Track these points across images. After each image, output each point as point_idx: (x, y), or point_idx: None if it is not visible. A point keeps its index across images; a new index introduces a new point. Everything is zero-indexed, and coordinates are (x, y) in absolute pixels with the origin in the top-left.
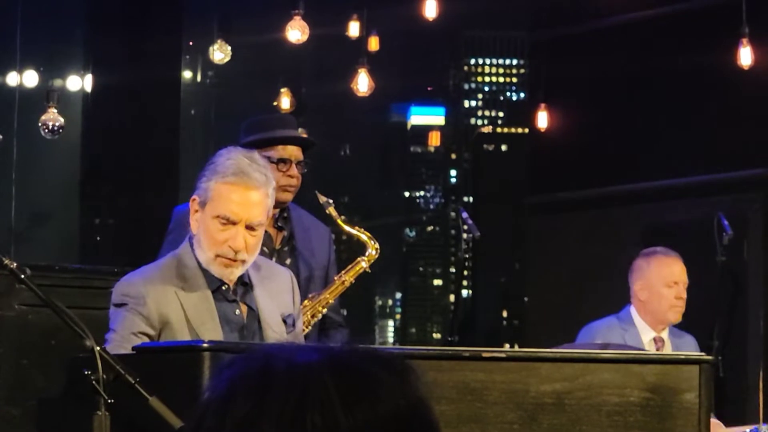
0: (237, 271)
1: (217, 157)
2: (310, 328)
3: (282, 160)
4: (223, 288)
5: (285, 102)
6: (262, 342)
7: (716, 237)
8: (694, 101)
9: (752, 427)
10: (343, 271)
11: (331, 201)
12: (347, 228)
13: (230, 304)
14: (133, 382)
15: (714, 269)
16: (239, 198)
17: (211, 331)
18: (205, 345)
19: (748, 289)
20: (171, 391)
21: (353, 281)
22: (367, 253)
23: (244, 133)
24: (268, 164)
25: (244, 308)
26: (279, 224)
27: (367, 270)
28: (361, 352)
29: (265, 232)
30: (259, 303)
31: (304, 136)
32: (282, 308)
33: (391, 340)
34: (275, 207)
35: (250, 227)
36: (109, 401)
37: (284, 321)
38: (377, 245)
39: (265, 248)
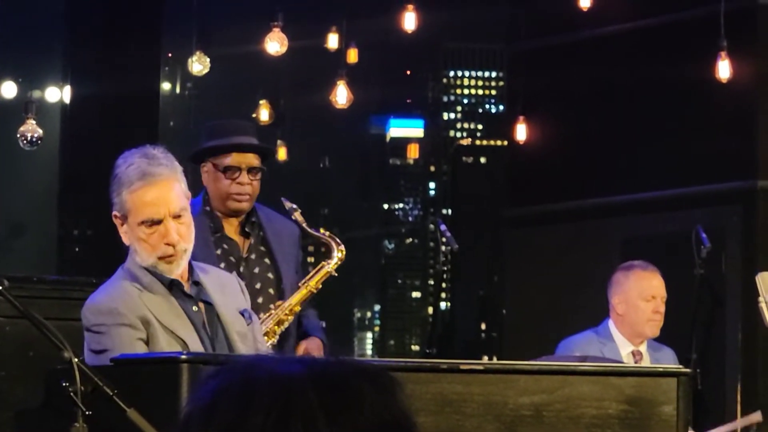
0: (183, 262)
1: (117, 167)
2: (276, 337)
3: (229, 168)
4: (175, 284)
5: (264, 114)
6: (227, 336)
7: (694, 250)
8: (673, 114)
9: None
10: (307, 277)
11: (296, 207)
12: (312, 231)
13: (188, 300)
14: (111, 393)
15: (692, 282)
16: (153, 197)
17: (183, 328)
18: (183, 357)
19: (726, 302)
20: (149, 402)
21: (319, 287)
22: (332, 257)
23: (202, 138)
24: (167, 152)
25: (201, 305)
26: (246, 230)
27: (333, 274)
28: (344, 364)
29: (231, 240)
30: (214, 299)
31: (254, 142)
32: (236, 304)
33: (369, 352)
34: (234, 216)
35: (175, 216)
36: (87, 413)
37: (241, 314)
38: (343, 248)
39: (231, 257)
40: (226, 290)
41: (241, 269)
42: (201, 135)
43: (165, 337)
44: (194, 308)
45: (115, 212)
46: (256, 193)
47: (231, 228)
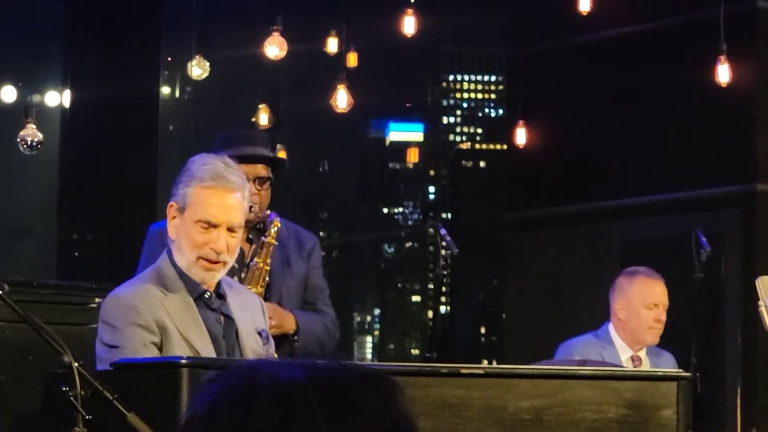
0: (218, 274)
1: (192, 163)
2: None
3: None
4: (205, 296)
5: (263, 118)
6: (242, 352)
7: (694, 253)
8: (672, 118)
9: None
10: (256, 258)
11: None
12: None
13: (212, 312)
14: (111, 398)
15: (691, 286)
16: (219, 201)
17: (198, 336)
18: (183, 361)
19: (725, 305)
20: (149, 407)
21: (268, 261)
22: (269, 231)
23: (214, 148)
24: (249, 171)
25: (222, 319)
26: (250, 237)
27: (275, 243)
28: (345, 368)
29: None
30: (234, 314)
31: (264, 153)
32: (255, 323)
33: (369, 356)
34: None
35: (230, 229)
36: (87, 417)
37: (259, 334)
38: (278, 220)
39: (235, 264)
40: (246, 308)
41: (243, 275)
42: (215, 143)
43: (180, 344)
44: (216, 320)
45: (173, 202)
46: (265, 202)
47: None
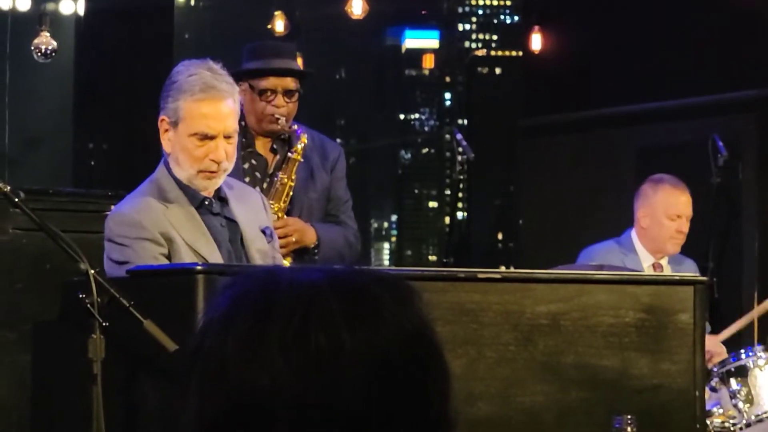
0: (219, 180)
1: (178, 74)
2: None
3: (264, 91)
4: (206, 203)
5: (279, 25)
6: (247, 254)
7: (711, 158)
8: (688, 22)
9: (746, 347)
10: (281, 173)
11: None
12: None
13: (215, 217)
14: (127, 305)
15: (709, 191)
16: (212, 112)
17: (205, 245)
18: (198, 267)
19: (743, 210)
20: (165, 314)
21: (293, 178)
22: (295, 147)
23: (242, 59)
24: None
25: (225, 222)
26: (274, 147)
27: (300, 160)
28: (364, 273)
29: (260, 156)
30: (237, 216)
31: (293, 66)
32: (259, 222)
33: (387, 262)
34: (268, 136)
35: (227, 136)
36: (104, 324)
37: (263, 232)
38: (305, 136)
39: (257, 173)
40: (249, 207)
41: (265, 185)
42: (241, 55)
43: (188, 254)
44: (220, 225)
45: (164, 116)
46: (292, 114)
47: (262, 145)
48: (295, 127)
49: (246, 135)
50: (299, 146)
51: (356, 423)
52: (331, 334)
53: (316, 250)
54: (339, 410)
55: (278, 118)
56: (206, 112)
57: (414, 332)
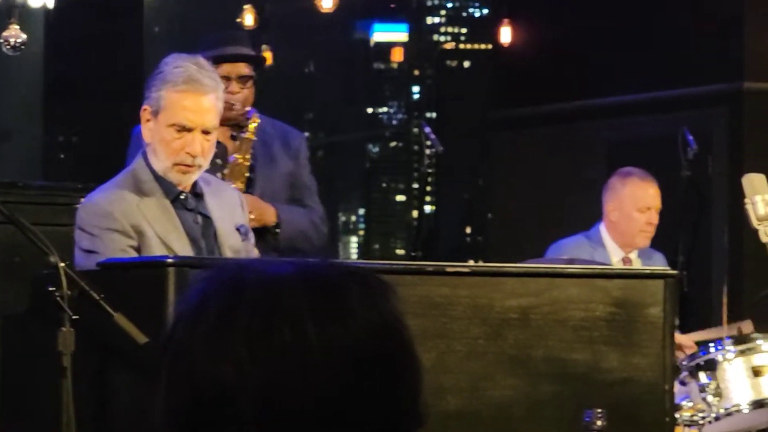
0: (194, 176)
1: (165, 65)
2: None
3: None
4: (181, 197)
5: (248, 19)
6: (221, 251)
7: (681, 152)
8: (660, 15)
9: (716, 341)
10: (235, 153)
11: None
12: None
13: (189, 212)
14: (97, 298)
15: (678, 184)
16: (192, 105)
17: (177, 239)
18: (169, 260)
19: (712, 204)
20: (136, 307)
21: (248, 156)
22: (247, 126)
23: (198, 51)
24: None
25: (200, 218)
26: (233, 135)
27: (254, 138)
28: (336, 267)
29: (219, 143)
30: (212, 212)
31: (245, 52)
32: (234, 219)
33: (354, 256)
34: (226, 124)
35: (205, 132)
36: (74, 317)
37: (238, 230)
38: (256, 116)
39: (217, 160)
40: (225, 204)
41: (225, 171)
42: (197, 48)
43: (159, 248)
44: (193, 220)
45: (146, 106)
46: (249, 100)
47: (221, 133)
48: (248, 108)
49: None
50: (251, 125)
51: (323, 416)
52: (296, 327)
53: (277, 230)
54: (305, 403)
55: (233, 104)
56: (187, 104)
57: (384, 326)
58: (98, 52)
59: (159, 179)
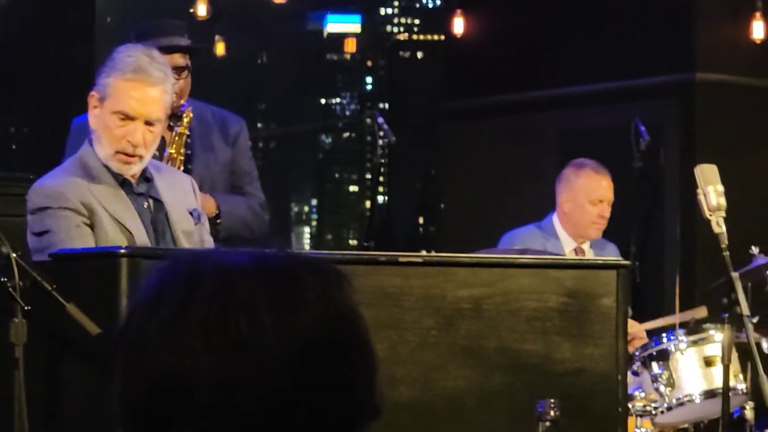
0: (135, 168)
1: (117, 53)
2: None
3: None
4: (128, 183)
5: (201, 9)
6: (173, 234)
7: (633, 143)
8: (611, 6)
9: (668, 331)
10: (168, 148)
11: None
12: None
13: (139, 197)
14: (50, 288)
15: (631, 175)
16: (138, 94)
17: (131, 219)
18: (122, 251)
19: (664, 194)
20: (88, 297)
21: (182, 150)
22: (180, 121)
23: (130, 41)
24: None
25: (150, 202)
26: (171, 124)
27: (187, 133)
28: (292, 257)
29: None
30: (163, 195)
31: (179, 43)
32: (187, 204)
33: (307, 246)
34: None
35: (148, 123)
36: (27, 308)
37: (190, 214)
38: (189, 110)
39: (156, 152)
40: (177, 189)
41: (164, 162)
42: (129, 37)
43: (112, 226)
44: (144, 204)
45: (94, 92)
46: (185, 90)
47: None
48: (182, 101)
49: None
50: (185, 120)
51: (278, 406)
52: (253, 318)
53: (218, 221)
54: (260, 393)
55: None
56: (133, 93)
57: (339, 317)
58: (49, 43)
59: (106, 165)
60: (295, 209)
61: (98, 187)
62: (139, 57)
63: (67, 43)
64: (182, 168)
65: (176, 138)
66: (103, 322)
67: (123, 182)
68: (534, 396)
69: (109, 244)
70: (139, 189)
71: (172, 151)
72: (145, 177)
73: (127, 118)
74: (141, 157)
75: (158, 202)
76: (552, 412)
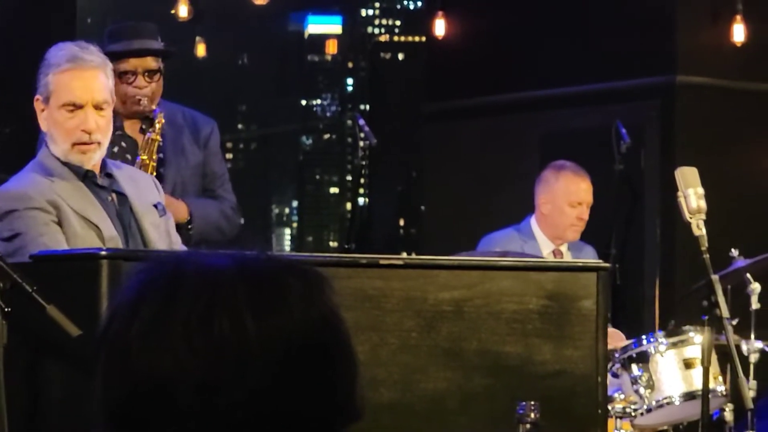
0: (96, 156)
1: (48, 53)
2: None
3: (125, 73)
4: (89, 175)
5: (182, 10)
6: (140, 227)
7: (614, 145)
8: (592, 8)
9: (648, 333)
10: (140, 154)
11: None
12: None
13: (102, 190)
14: (30, 290)
15: (611, 178)
16: (79, 82)
17: (96, 213)
18: (103, 253)
19: (645, 197)
20: (69, 299)
21: (154, 156)
22: (153, 127)
23: (104, 42)
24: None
25: (114, 196)
26: (143, 127)
27: (159, 140)
28: (274, 260)
29: (129, 138)
30: (126, 189)
31: (151, 46)
32: (150, 198)
33: (288, 248)
34: (134, 117)
35: (97, 107)
36: (6, 310)
37: (155, 207)
38: (161, 115)
39: (128, 155)
40: (139, 184)
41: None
42: (103, 39)
43: (79, 222)
44: (107, 198)
45: (37, 96)
46: (156, 94)
47: (130, 126)
48: (154, 106)
49: (115, 119)
50: (157, 125)
51: (260, 408)
52: (235, 320)
53: (189, 226)
54: (243, 396)
55: (140, 99)
56: (74, 82)
57: (321, 320)
58: (29, 44)
59: (65, 163)
60: (276, 211)
61: (61, 184)
62: (70, 48)
63: (48, 44)
64: (155, 173)
65: (149, 143)
66: (83, 324)
67: (85, 176)
68: (514, 398)
69: (78, 240)
70: (102, 183)
71: (145, 156)
72: (107, 173)
73: (75, 107)
74: (99, 144)
75: (122, 195)
76: (532, 414)
